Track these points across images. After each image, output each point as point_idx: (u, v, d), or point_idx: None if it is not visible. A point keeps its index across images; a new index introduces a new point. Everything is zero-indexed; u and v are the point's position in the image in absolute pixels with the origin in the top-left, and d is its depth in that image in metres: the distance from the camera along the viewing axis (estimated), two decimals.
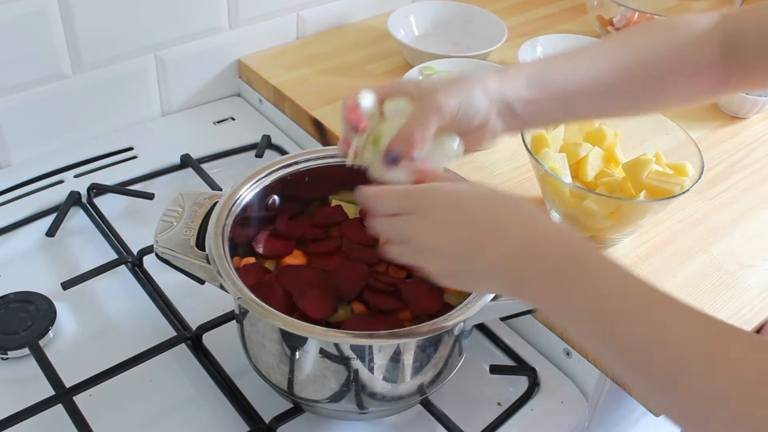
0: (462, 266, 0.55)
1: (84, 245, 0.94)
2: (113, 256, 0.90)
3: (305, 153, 0.79)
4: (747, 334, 0.47)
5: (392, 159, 0.63)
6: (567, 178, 0.85)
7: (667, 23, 0.73)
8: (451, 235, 0.55)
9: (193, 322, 0.82)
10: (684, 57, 0.71)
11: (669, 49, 0.71)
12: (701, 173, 0.83)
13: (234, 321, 0.76)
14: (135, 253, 0.90)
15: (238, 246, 0.75)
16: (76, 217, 0.97)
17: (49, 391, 0.74)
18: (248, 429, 0.74)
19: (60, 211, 0.95)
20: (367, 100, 0.65)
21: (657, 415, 0.71)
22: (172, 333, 0.82)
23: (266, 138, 1.10)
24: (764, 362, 0.44)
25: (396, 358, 0.66)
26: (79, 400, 0.74)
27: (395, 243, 0.59)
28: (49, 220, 0.94)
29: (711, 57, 0.70)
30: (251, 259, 0.75)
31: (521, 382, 0.82)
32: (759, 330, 0.81)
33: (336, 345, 0.64)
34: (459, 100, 0.64)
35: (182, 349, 0.81)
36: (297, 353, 0.67)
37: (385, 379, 0.67)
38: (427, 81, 0.68)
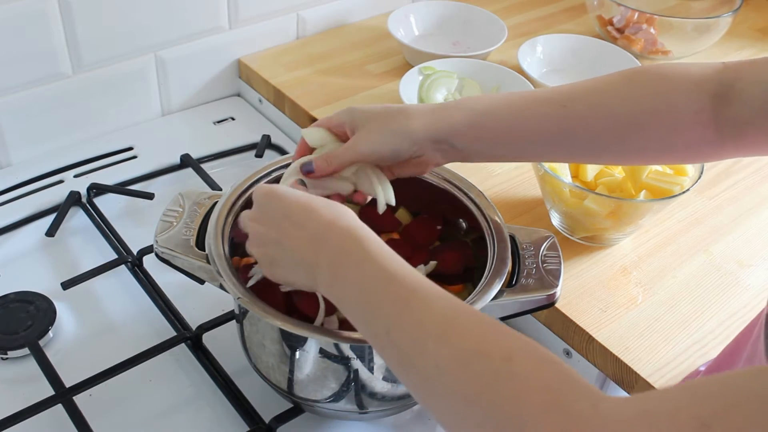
0: (279, 253, 0.61)
1: (84, 245, 0.94)
2: (113, 256, 0.90)
3: None
4: (478, 313, 0.49)
5: (307, 170, 0.68)
6: (567, 178, 0.85)
7: (657, 70, 0.66)
8: (273, 226, 0.61)
9: (193, 322, 0.82)
10: (659, 109, 0.64)
11: (644, 98, 0.64)
12: (701, 173, 0.84)
13: (234, 321, 0.76)
14: (135, 253, 0.90)
15: (238, 246, 0.75)
16: (76, 217, 0.97)
17: (49, 391, 0.74)
18: (248, 429, 0.74)
19: (60, 211, 0.95)
20: (311, 134, 0.70)
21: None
22: (172, 333, 0.82)
23: (266, 138, 1.10)
24: (483, 335, 0.47)
25: None
26: (79, 400, 0.74)
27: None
28: (49, 220, 0.94)
29: (697, 111, 0.63)
30: (251, 259, 0.75)
31: None
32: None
33: (336, 345, 0.64)
34: (376, 143, 0.67)
35: (182, 349, 0.81)
36: (297, 353, 0.67)
37: (385, 379, 0.67)
38: (360, 113, 0.68)
